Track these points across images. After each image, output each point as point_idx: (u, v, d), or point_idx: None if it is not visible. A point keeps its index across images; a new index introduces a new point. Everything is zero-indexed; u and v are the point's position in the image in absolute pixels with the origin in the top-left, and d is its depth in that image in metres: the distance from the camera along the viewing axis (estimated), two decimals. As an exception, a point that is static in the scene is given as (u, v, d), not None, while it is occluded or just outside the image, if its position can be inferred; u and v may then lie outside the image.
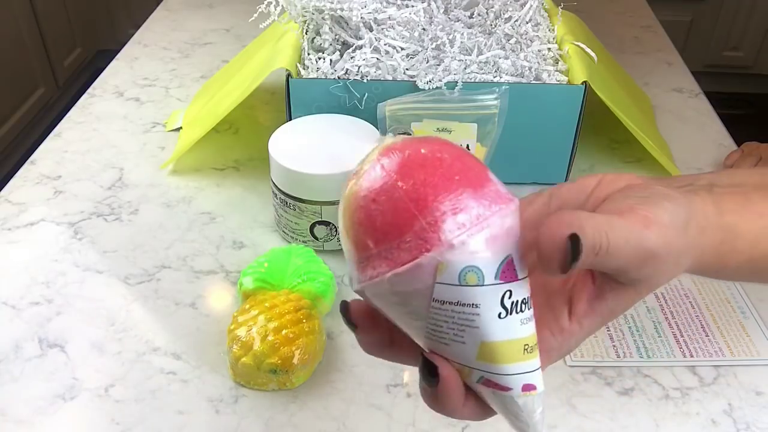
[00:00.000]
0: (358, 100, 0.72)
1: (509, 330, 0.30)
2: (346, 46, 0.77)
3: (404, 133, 0.68)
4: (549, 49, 0.79)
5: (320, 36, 0.77)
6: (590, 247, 0.28)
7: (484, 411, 0.32)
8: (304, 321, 0.57)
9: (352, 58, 0.74)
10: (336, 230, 0.68)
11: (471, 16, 0.82)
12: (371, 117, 0.71)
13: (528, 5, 0.81)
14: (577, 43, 0.79)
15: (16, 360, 0.59)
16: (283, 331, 0.56)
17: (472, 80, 0.73)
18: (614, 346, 0.61)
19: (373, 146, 0.31)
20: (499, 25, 0.79)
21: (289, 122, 0.72)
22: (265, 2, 0.76)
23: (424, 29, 0.76)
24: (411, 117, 0.70)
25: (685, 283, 0.67)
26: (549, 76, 0.76)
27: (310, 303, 0.59)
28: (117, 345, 0.60)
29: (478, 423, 0.54)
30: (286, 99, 0.73)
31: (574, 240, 0.27)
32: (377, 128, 0.71)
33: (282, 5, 0.76)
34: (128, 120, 0.92)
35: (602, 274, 0.32)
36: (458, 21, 0.81)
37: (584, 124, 0.75)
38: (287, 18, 0.79)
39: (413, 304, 0.29)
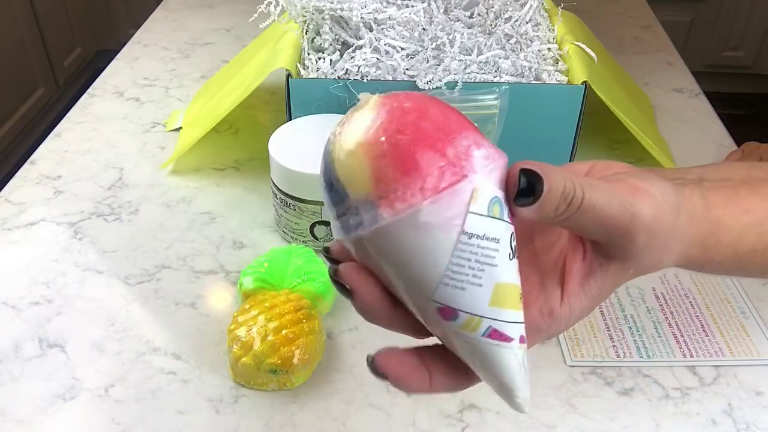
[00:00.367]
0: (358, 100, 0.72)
1: (513, 274, 0.30)
2: (346, 46, 0.77)
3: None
4: (549, 49, 0.79)
5: (320, 36, 0.77)
6: (557, 192, 0.28)
7: (457, 376, 0.32)
8: (304, 321, 0.57)
9: (352, 58, 0.74)
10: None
11: (471, 16, 0.82)
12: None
13: (528, 5, 0.81)
14: (577, 43, 0.79)
15: (16, 360, 0.59)
16: (283, 331, 0.56)
17: (472, 80, 0.73)
18: (614, 346, 0.61)
19: (353, 106, 0.30)
20: (499, 25, 0.79)
21: (289, 122, 0.72)
22: (265, 2, 0.76)
23: (424, 29, 0.76)
24: (411, 117, 0.70)
25: (685, 283, 0.67)
26: (549, 76, 0.76)
27: (310, 303, 0.59)
28: (117, 345, 0.60)
29: (479, 422, 0.54)
30: (286, 99, 0.73)
31: (528, 173, 0.28)
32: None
33: (282, 5, 0.76)
34: (128, 120, 0.92)
35: (592, 248, 0.32)
36: (458, 21, 0.81)
37: (584, 124, 0.75)
38: (287, 18, 0.79)
39: (438, 240, 0.28)
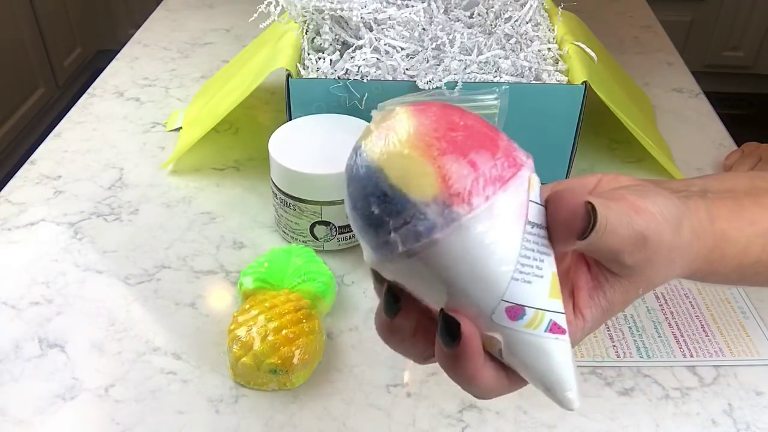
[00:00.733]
0: (358, 100, 0.72)
1: (554, 263, 0.30)
2: (346, 46, 0.77)
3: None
4: (549, 49, 0.79)
5: (320, 36, 0.77)
6: (600, 222, 0.28)
7: (509, 380, 0.31)
8: (304, 321, 0.57)
9: (352, 58, 0.74)
10: (336, 230, 0.68)
11: (471, 16, 0.82)
12: (371, 117, 0.71)
13: (528, 5, 0.81)
14: (577, 43, 0.79)
15: (16, 360, 0.59)
16: (283, 331, 0.56)
17: (472, 80, 0.73)
18: (614, 346, 0.61)
19: (374, 120, 0.29)
20: (499, 25, 0.79)
21: (289, 122, 0.72)
22: (265, 2, 0.76)
23: (424, 29, 0.76)
24: (411, 117, 0.70)
25: (685, 282, 0.67)
26: (549, 76, 0.76)
27: (310, 303, 0.59)
28: (117, 345, 0.60)
29: (479, 422, 0.54)
30: (286, 99, 0.73)
31: (592, 208, 0.28)
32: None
33: (282, 5, 0.76)
34: (128, 120, 0.92)
35: (596, 264, 0.32)
36: (458, 21, 0.81)
37: (584, 124, 0.75)
38: (287, 18, 0.79)
39: (511, 232, 0.27)
